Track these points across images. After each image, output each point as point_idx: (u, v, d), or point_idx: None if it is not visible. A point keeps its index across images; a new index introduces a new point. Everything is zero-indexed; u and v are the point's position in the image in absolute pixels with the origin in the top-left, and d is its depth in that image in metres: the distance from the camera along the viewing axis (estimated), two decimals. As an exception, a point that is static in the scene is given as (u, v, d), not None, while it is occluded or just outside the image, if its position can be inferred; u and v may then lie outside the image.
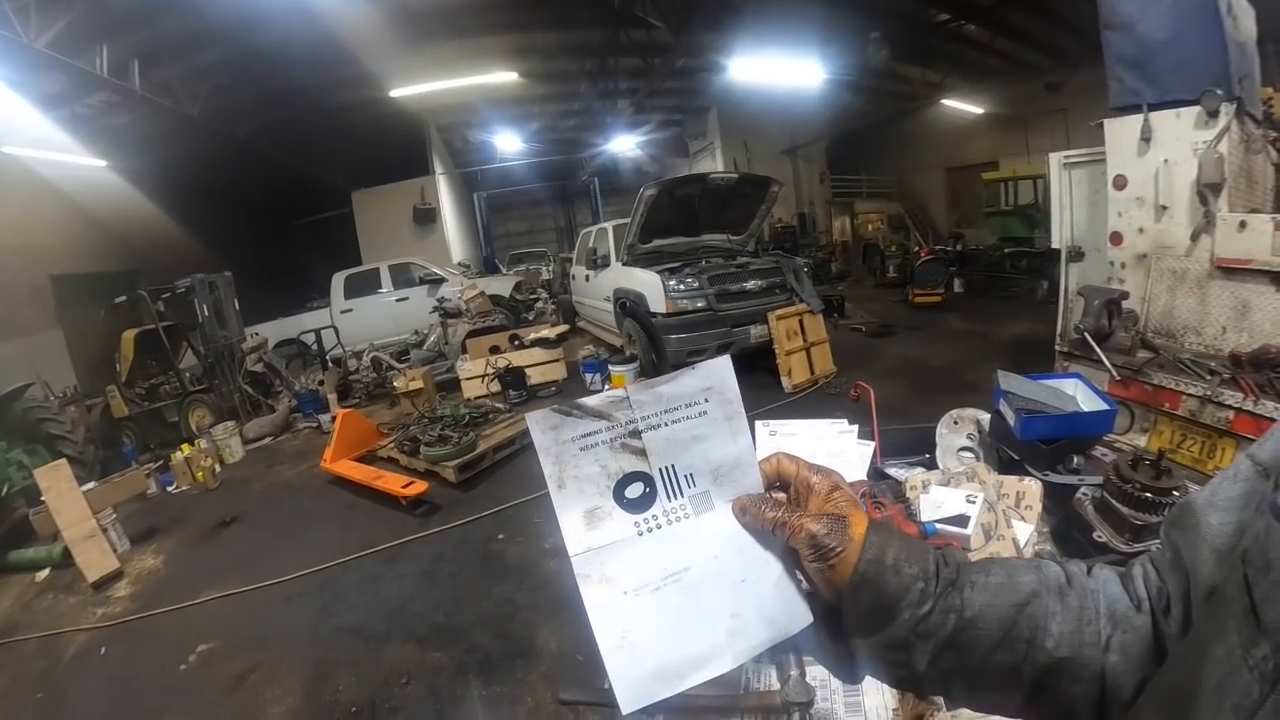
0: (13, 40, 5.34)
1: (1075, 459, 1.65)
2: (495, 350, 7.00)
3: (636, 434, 0.51)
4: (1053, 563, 0.50)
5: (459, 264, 13.10)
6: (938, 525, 1.34)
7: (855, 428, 1.69)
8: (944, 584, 0.47)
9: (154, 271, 9.23)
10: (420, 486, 4.36)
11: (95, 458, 5.66)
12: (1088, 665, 0.44)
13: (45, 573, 4.17)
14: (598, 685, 1.07)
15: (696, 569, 0.51)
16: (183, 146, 9.65)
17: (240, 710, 2.66)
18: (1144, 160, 3.18)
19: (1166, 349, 3.12)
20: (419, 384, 6.38)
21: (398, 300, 10.35)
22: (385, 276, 10.57)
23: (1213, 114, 2.88)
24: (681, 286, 6.02)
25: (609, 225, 8.19)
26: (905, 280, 10.66)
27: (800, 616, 0.52)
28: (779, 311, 5.95)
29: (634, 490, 0.52)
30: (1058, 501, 1.50)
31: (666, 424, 0.52)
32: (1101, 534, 1.32)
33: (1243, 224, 2.82)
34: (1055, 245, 4.17)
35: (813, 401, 5.57)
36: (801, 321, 6.09)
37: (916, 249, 12.60)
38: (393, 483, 4.46)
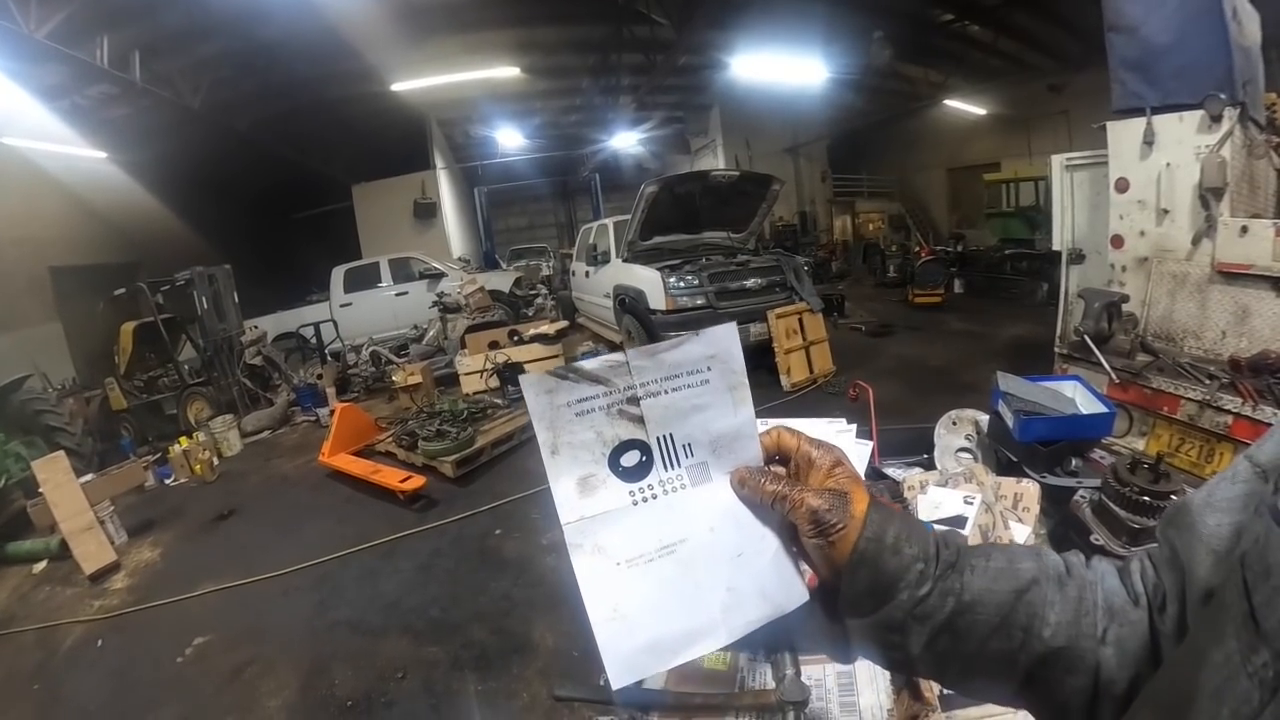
0: (13, 31, 5.31)
1: (1073, 461, 1.65)
2: (494, 346, 6.99)
3: (635, 401, 0.50)
4: (1052, 552, 0.50)
5: (459, 259, 13.07)
6: (935, 526, 1.34)
7: (854, 427, 1.69)
8: (944, 566, 0.46)
9: (153, 264, 9.22)
10: (418, 481, 4.36)
11: (93, 450, 5.66)
12: (1083, 657, 0.44)
13: (42, 564, 4.18)
14: (593, 682, 1.07)
15: (692, 541, 0.50)
16: (183, 139, 9.61)
17: (236, 703, 2.66)
18: (1146, 163, 3.18)
19: (1166, 353, 3.12)
20: (418, 379, 6.37)
21: (397, 295, 10.34)
22: (385, 271, 10.56)
23: (1216, 118, 2.87)
24: (681, 284, 6.02)
25: (609, 222, 8.18)
26: (905, 280, 10.66)
27: (796, 593, 0.51)
28: (779, 310, 5.95)
29: (630, 458, 0.51)
30: (1055, 504, 1.50)
31: (666, 391, 0.51)
32: (1099, 537, 1.32)
33: (1244, 229, 2.81)
34: (1056, 247, 4.16)
35: (811, 400, 5.57)
36: (801, 320, 6.09)
37: (917, 249, 12.61)
38: (390, 477, 4.46)
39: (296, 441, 6.31)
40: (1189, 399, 2.79)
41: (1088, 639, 0.44)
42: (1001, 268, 10.36)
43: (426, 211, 13.62)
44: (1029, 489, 1.42)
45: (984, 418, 1.87)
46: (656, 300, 6.02)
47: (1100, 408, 1.81)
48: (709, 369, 0.51)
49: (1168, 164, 3.08)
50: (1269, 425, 2.45)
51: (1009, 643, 0.45)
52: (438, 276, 10.27)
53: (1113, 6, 3.21)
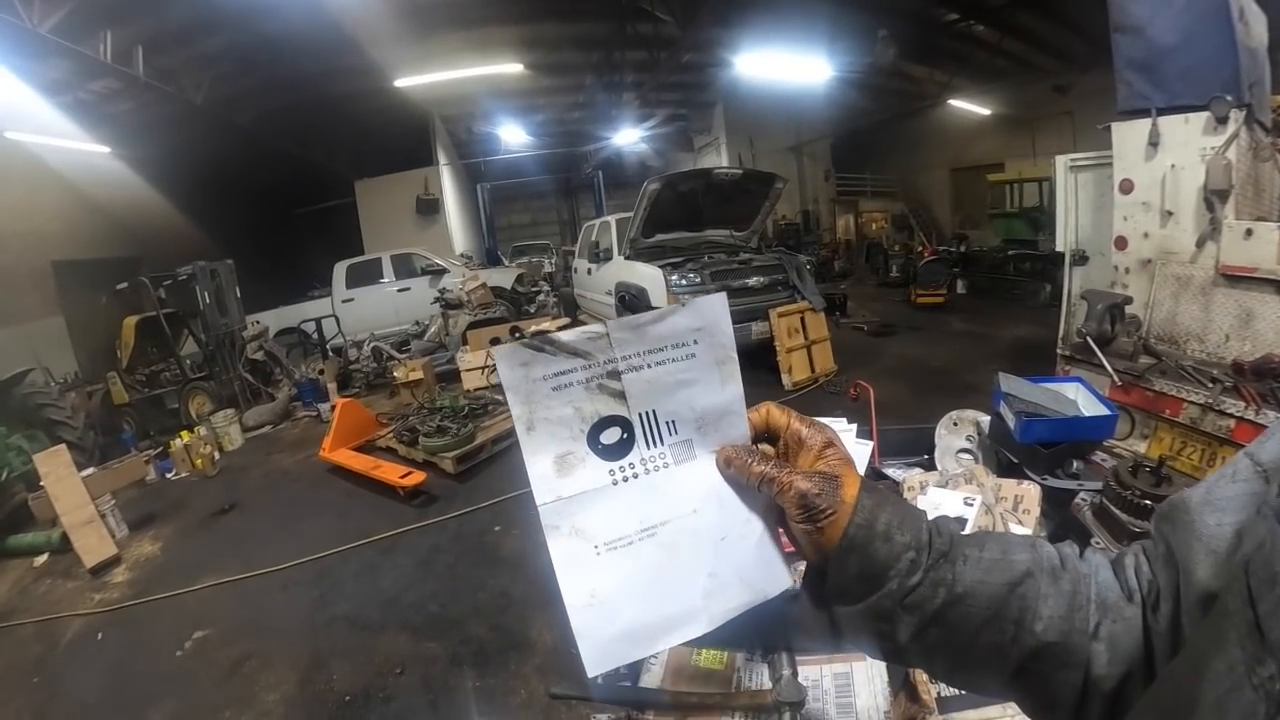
0: (16, 25, 5.31)
1: (1074, 464, 1.64)
2: (496, 342, 6.96)
3: (616, 375, 0.47)
4: (1047, 543, 0.49)
5: (461, 255, 13.07)
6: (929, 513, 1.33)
7: (854, 427, 1.68)
8: (936, 555, 0.45)
9: (156, 258, 9.23)
10: (418, 477, 4.37)
11: (95, 444, 5.67)
12: (1074, 652, 0.43)
13: (43, 558, 4.19)
14: (589, 680, 1.07)
15: (674, 524, 0.48)
16: (186, 134, 9.62)
17: (235, 697, 2.67)
18: (1151, 165, 3.16)
19: (1169, 355, 3.11)
20: (419, 375, 6.38)
21: (399, 291, 10.35)
22: (387, 267, 10.56)
23: (1221, 120, 2.86)
24: (683, 282, 6.01)
25: (612, 219, 8.18)
26: (908, 280, 10.64)
27: (781, 579, 0.49)
28: (781, 309, 5.95)
29: (610, 436, 0.48)
30: (1056, 506, 1.49)
31: (650, 365, 0.48)
32: (1099, 540, 1.31)
33: (1249, 232, 2.80)
34: (1059, 248, 4.15)
35: (812, 400, 5.57)
36: (803, 319, 6.09)
37: (920, 249, 12.56)
38: (391, 473, 4.47)
39: (297, 436, 6.32)
40: (1191, 402, 2.78)
41: (1080, 634, 0.43)
42: (1004, 268, 10.33)
43: (429, 208, 13.62)
44: (1029, 491, 1.41)
45: (985, 419, 1.87)
46: (658, 298, 6.01)
47: (1102, 410, 1.80)
48: (695, 342, 0.49)
49: (1172, 166, 3.07)
50: (1271, 429, 2.44)
51: (1000, 636, 0.44)
52: (440, 273, 10.27)
53: (1118, 7, 3.19)
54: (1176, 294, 3.16)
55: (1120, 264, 3.42)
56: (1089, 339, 3.21)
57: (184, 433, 5.69)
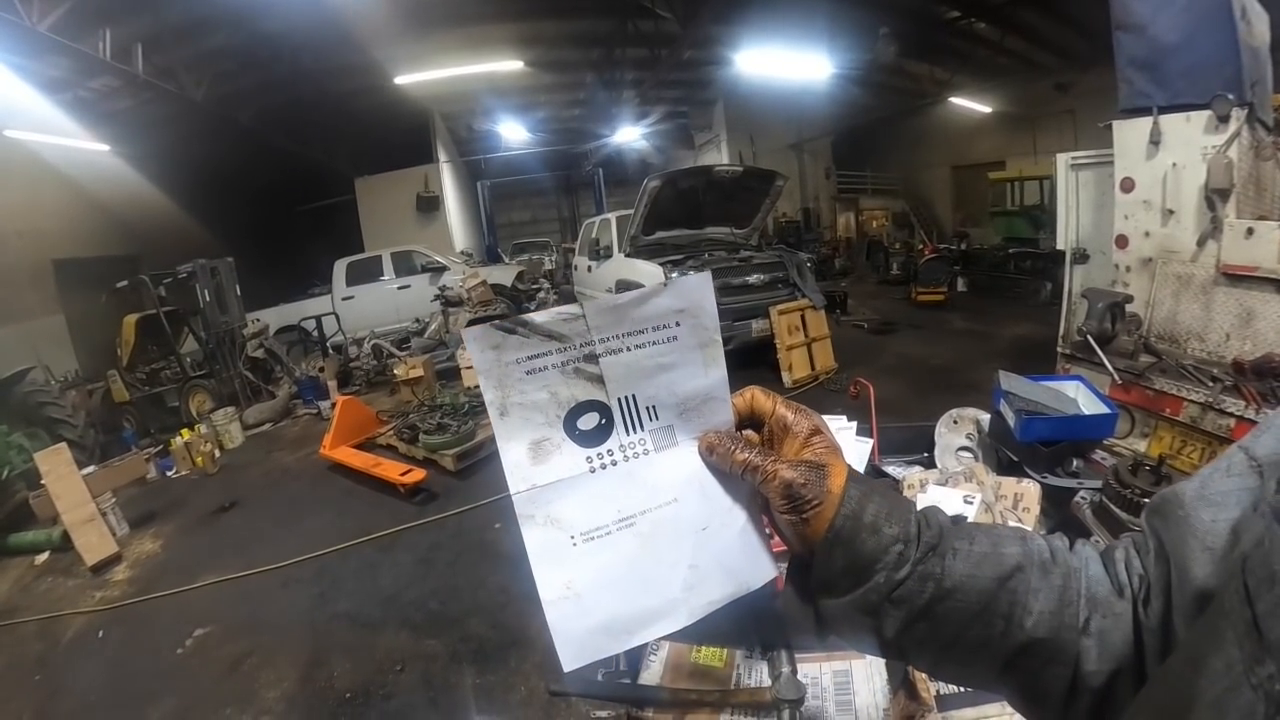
0: (15, 23, 5.30)
1: (1074, 462, 1.64)
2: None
3: (593, 358, 0.46)
4: (1037, 535, 0.47)
5: (461, 253, 13.07)
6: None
7: (854, 424, 1.69)
8: (924, 549, 0.44)
9: (156, 256, 9.21)
10: (418, 474, 4.38)
11: (95, 442, 5.67)
12: (1064, 648, 0.42)
13: (44, 556, 4.20)
14: (589, 677, 1.07)
15: (654, 513, 0.47)
16: (185, 131, 9.61)
17: (236, 694, 2.67)
18: (1152, 163, 3.16)
19: (1169, 354, 3.11)
20: (419, 372, 6.38)
21: (399, 288, 10.35)
22: (387, 264, 10.56)
23: (1223, 119, 2.85)
24: (684, 280, 6.00)
25: (612, 216, 8.17)
26: (908, 278, 10.63)
27: (765, 570, 0.48)
28: (781, 306, 5.95)
29: (588, 421, 0.46)
30: (1056, 505, 1.49)
31: (629, 348, 0.46)
32: (1099, 539, 1.31)
33: (1250, 231, 2.80)
34: (1060, 247, 4.15)
35: (812, 397, 5.57)
36: (803, 317, 6.09)
37: (920, 247, 12.55)
38: (391, 470, 4.47)
39: (298, 434, 6.33)
40: (1192, 401, 2.78)
41: (1070, 630, 0.42)
42: (1005, 267, 10.33)
43: (429, 205, 13.61)
44: (1029, 489, 1.41)
45: (985, 417, 1.87)
46: (658, 296, 6.01)
47: (1102, 408, 1.80)
48: (677, 324, 0.47)
49: (1174, 164, 3.06)
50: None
51: (989, 631, 0.43)
52: (440, 270, 10.27)
53: (1121, 5, 3.19)
54: (1177, 293, 3.16)
55: (1121, 262, 3.42)
56: (1089, 337, 3.21)
57: (184, 431, 5.69)
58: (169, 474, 5.47)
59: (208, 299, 6.81)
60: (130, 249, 10.17)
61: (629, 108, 12.80)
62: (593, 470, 0.47)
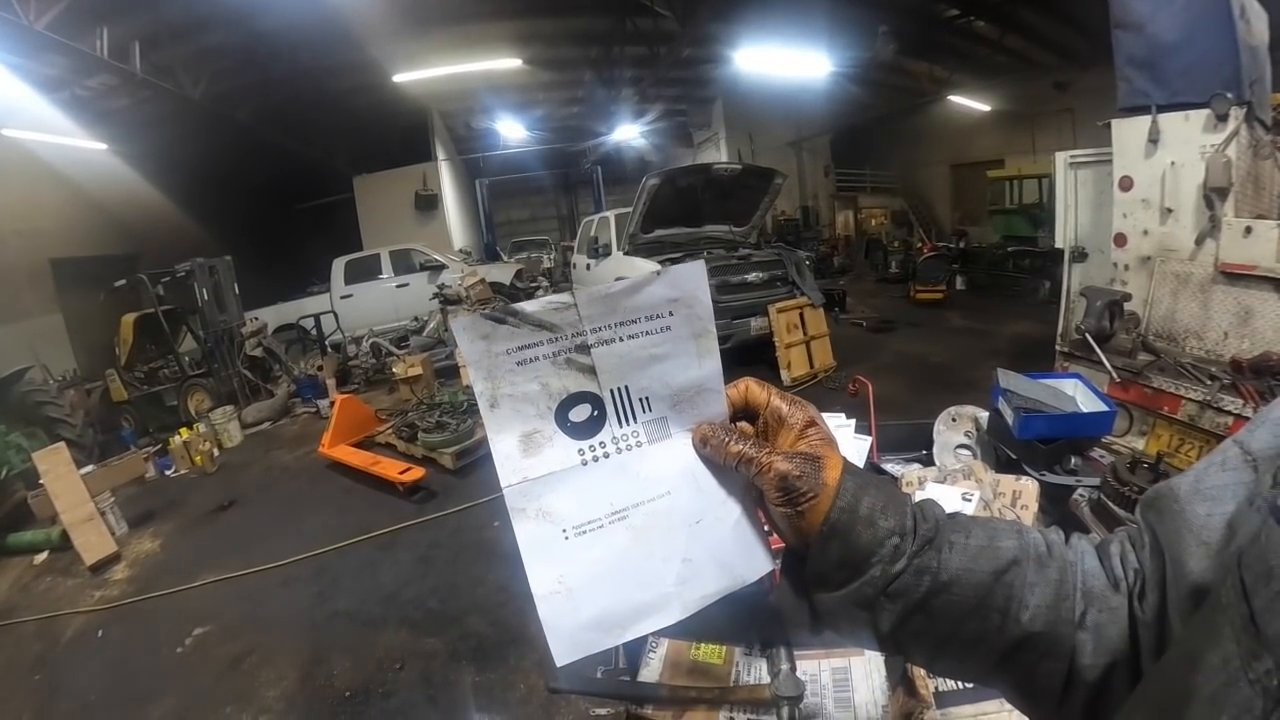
0: (12, 22, 5.28)
1: (1073, 460, 1.65)
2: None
3: (585, 349, 0.45)
4: (1033, 529, 0.47)
5: (460, 251, 13.06)
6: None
7: (853, 422, 1.69)
8: (920, 542, 0.43)
9: (154, 255, 9.21)
10: (417, 473, 4.38)
11: (94, 441, 5.67)
12: (1060, 642, 0.42)
13: (43, 555, 4.19)
14: (588, 675, 1.07)
15: (647, 506, 0.46)
16: (184, 130, 9.59)
17: (236, 693, 2.68)
18: (1151, 162, 3.16)
19: (1167, 353, 3.11)
20: (418, 370, 6.38)
21: (398, 286, 10.34)
22: (386, 262, 10.55)
23: (1222, 118, 2.86)
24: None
25: (611, 214, 8.16)
26: (907, 276, 10.63)
27: (759, 564, 0.47)
28: (780, 304, 5.94)
29: (579, 413, 0.46)
30: (1054, 502, 1.50)
31: (621, 339, 0.45)
32: (1097, 537, 1.32)
33: (1248, 230, 2.80)
34: (1059, 245, 4.15)
35: (811, 395, 5.52)
36: (802, 315, 6.09)
37: (919, 245, 12.55)
38: (390, 469, 4.47)
39: (297, 433, 6.32)
40: (1190, 399, 2.79)
41: (1066, 624, 0.42)
42: (1004, 265, 10.34)
43: (428, 203, 13.59)
44: (1028, 487, 1.42)
45: (984, 414, 1.87)
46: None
47: (1100, 406, 1.81)
48: (671, 314, 0.46)
49: (1172, 163, 3.07)
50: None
51: (985, 624, 0.43)
52: (438, 268, 10.26)
53: (1120, 4, 3.19)
54: (1175, 291, 3.16)
55: (1120, 261, 3.42)
56: (1088, 336, 3.22)
57: (183, 430, 5.69)
58: (168, 473, 5.46)
59: (206, 298, 6.80)
60: (128, 248, 10.15)
61: (627, 106, 12.78)
62: (585, 463, 0.46)
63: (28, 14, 5.36)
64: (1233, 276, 2.90)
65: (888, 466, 1.76)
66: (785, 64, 9.80)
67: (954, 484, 1.45)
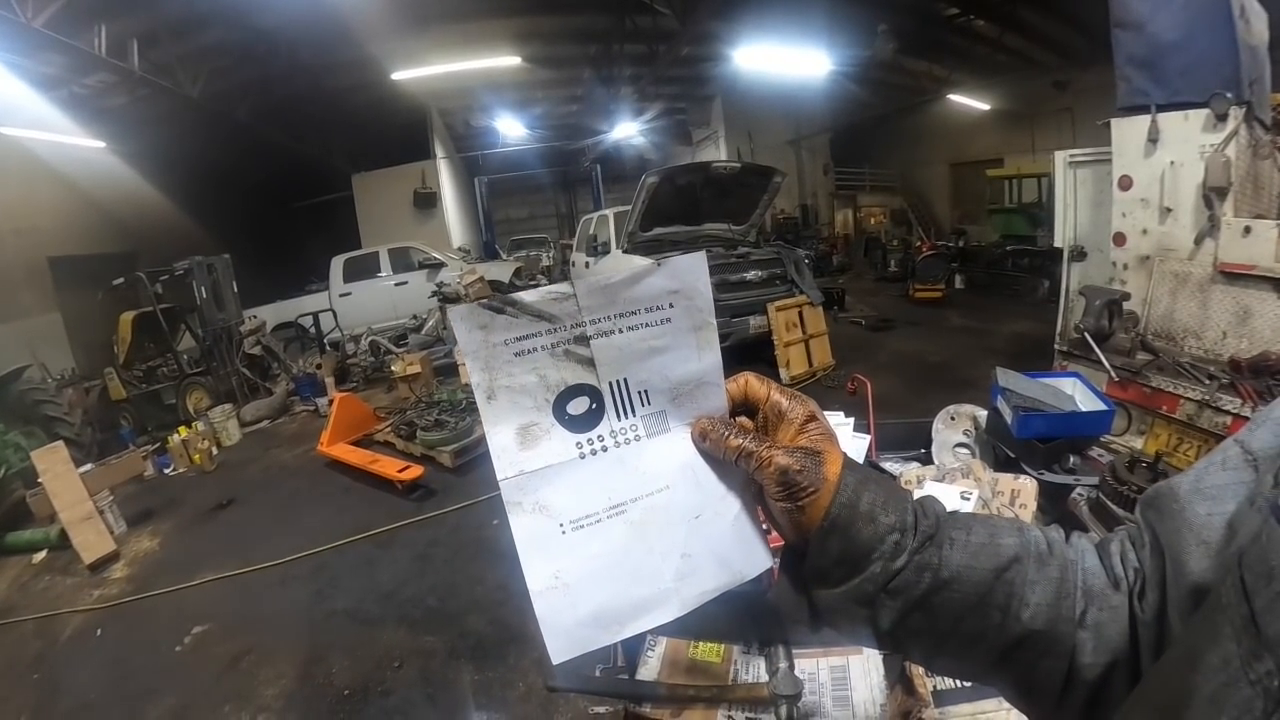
0: (10, 20, 5.26)
1: (1071, 459, 1.65)
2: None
3: (584, 340, 0.44)
4: (1034, 527, 0.47)
5: (459, 249, 13.05)
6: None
7: (851, 420, 1.69)
8: (921, 538, 0.43)
9: (152, 254, 9.18)
10: (416, 471, 4.38)
11: (93, 440, 5.67)
12: (1060, 641, 0.42)
13: (42, 554, 4.19)
14: (587, 673, 1.07)
15: (645, 500, 0.45)
16: (182, 128, 9.56)
17: (235, 691, 2.68)
18: (1150, 161, 3.16)
19: (1166, 352, 3.11)
20: (417, 369, 6.37)
21: (397, 285, 10.34)
22: (384, 261, 10.54)
23: (1221, 117, 2.86)
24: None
25: (610, 212, 8.16)
26: (906, 275, 10.64)
27: (759, 560, 0.47)
28: (779, 303, 5.94)
29: (578, 406, 0.45)
30: (1053, 501, 1.50)
31: (621, 330, 0.45)
32: (1097, 535, 1.32)
33: (1247, 229, 2.80)
34: (1058, 244, 4.16)
35: (810, 394, 5.45)
36: (801, 313, 6.09)
37: (918, 244, 12.54)
38: (389, 467, 4.47)
39: (295, 431, 6.32)
40: (1188, 399, 2.79)
41: (1066, 622, 0.42)
42: (1003, 264, 10.34)
43: (426, 201, 13.58)
44: (1026, 485, 1.42)
45: (982, 413, 1.87)
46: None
47: (1099, 405, 1.81)
48: (671, 305, 0.46)
49: (1171, 162, 3.07)
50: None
51: (985, 622, 0.43)
52: (437, 266, 10.25)
53: (1120, 3, 3.19)
54: (1174, 291, 3.17)
55: (1119, 260, 3.42)
56: (1087, 335, 3.22)
57: (182, 428, 5.68)
58: (166, 471, 5.46)
59: (204, 296, 6.80)
60: (126, 246, 10.13)
61: (627, 104, 12.76)
62: (583, 456, 0.45)
63: (25, 12, 5.34)
64: (1231, 276, 2.90)
65: (886, 465, 1.76)
66: (784, 62, 9.80)
67: (952, 482, 1.45)
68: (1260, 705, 0.27)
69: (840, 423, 1.69)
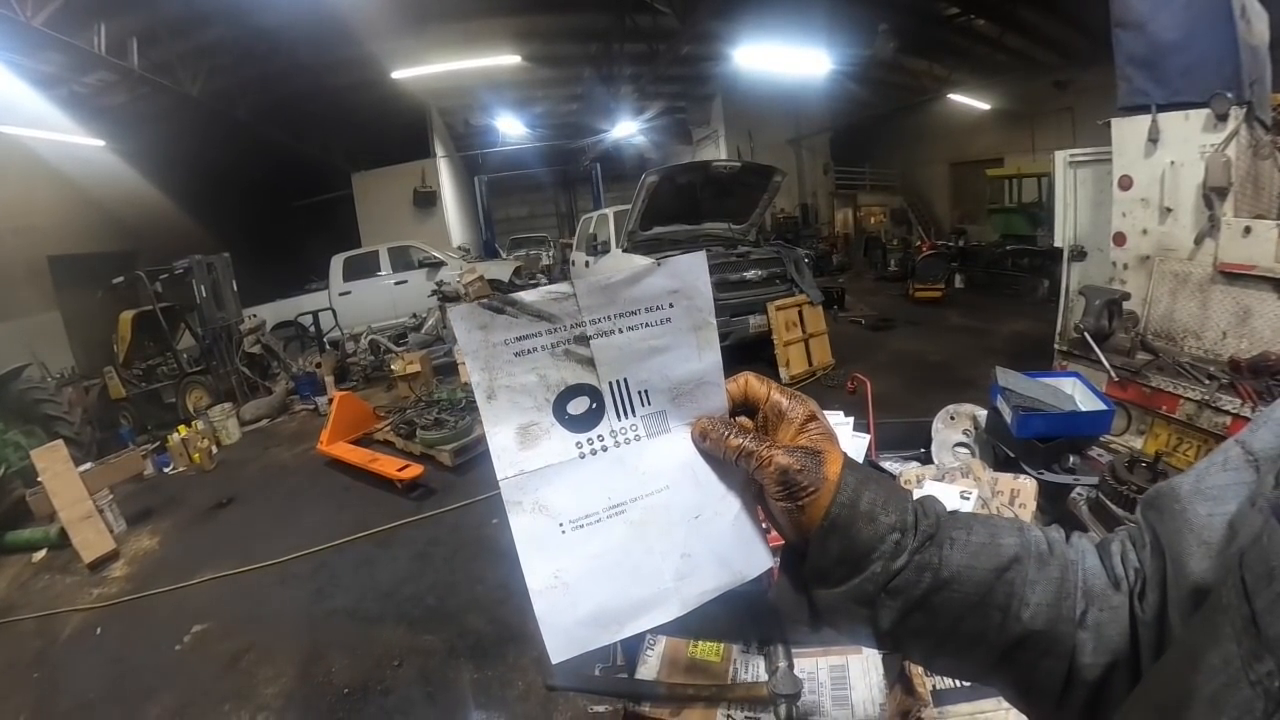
0: (9, 18, 5.25)
1: (1071, 459, 1.65)
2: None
3: (584, 340, 0.44)
4: (1034, 526, 0.47)
5: (458, 248, 13.05)
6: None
7: (851, 420, 1.69)
8: (921, 538, 0.43)
9: (152, 252, 9.17)
10: (416, 470, 4.38)
11: (92, 439, 5.66)
12: (1060, 641, 0.42)
13: (42, 553, 4.19)
14: (587, 672, 1.07)
15: (645, 500, 0.46)
16: (182, 127, 9.55)
17: (234, 690, 2.68)
18: (1150, 161, 3.16)
19: (1166, 352, 3.12)
20: (416, 367, 6.37)
21: (396, 283, 10.33)
22: (384, 259, 10.54)
23: (1222, 117, 2.86)
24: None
25: (610, 211, 8.15)
26: (906, 274, 10.64)
27: (759, 560, 0.47)
28: (779, 302, 5.94)
29: (578, 405, 0.45)
30: (1052, 500, 1.50)
31: (621, 330, 0.45)
32: (1097, 535, 1.32)
33: (1247, 229, 2.80)
34: (1058, 244, 4.16)
35: (810, 393, 5.42)
36: (801, 313, 6.09)
37: (918, 243, 12.55)
38: (388, 466, 4.47)
39: (295, 430, 6.32)
40: (1188, 399, 2.79)
41: (1066, 622, 0.42)
42: (1003, 263, 10.34)
43: (426, 200, 13.57)
44: (1026, 485, 1.42)
45: (982, 413, 1.88)
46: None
47: (1099, 405, 1.81)
48: (671, 305, 0.46)
49: (1172, 162, 3.07)
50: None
51: (985, 622, 0.43)
52: (437, 265, 10.26)
53: (1120, 3, 3.19)
54: (1174, 291, 3.17)
55: (1119, 260, 3.42)
56: (1087, 334, 3.22)
57: (181, 427, 5.68)
58: (166, 470, 5.46)
59: (204, 295, 6.79)
60: (126, 245, 10.12)
61: (627, 103, 12.75)
62: (582, 456, 0.45)
63: (25, 10, 5.33)
64: (1231, 276, 2.90)
65: (886, 464, 1.76)
66: (785, 62, 9.79)
67: (952, 482, 1.45)
68: (1260, 706, 0.27)
69: (840, 422, 1.69)
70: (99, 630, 3.28)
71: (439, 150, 13.91)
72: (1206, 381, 2.77)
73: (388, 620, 3.03)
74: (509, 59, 9.61)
